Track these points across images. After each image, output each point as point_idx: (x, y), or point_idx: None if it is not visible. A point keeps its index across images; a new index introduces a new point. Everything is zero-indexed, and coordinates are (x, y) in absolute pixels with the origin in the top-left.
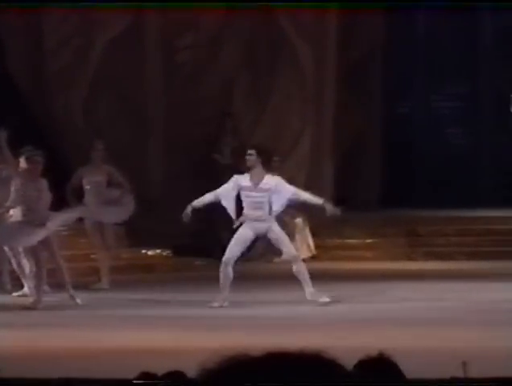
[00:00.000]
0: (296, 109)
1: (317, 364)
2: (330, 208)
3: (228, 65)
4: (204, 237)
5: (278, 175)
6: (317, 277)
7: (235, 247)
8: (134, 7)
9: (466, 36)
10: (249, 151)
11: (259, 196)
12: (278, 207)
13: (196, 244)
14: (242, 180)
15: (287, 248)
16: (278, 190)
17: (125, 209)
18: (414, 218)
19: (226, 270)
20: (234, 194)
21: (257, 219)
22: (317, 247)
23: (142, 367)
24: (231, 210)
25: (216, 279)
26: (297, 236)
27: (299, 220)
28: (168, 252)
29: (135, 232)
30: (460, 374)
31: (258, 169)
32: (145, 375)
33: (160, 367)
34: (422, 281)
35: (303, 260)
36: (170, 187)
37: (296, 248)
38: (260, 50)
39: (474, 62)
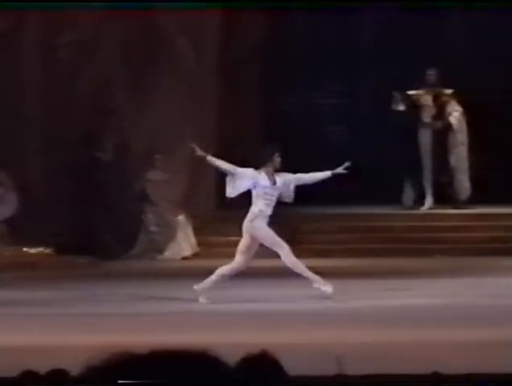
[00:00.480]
0: (178, 107)
1: (201, 362)
2: (340, 170)
3: (107, 63)
4: (85, 236)
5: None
6: (200, 274)
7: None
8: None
9: (346, 34)
10: (277, 153)
11: (275, 194)
12: (289, 199)
13: (78, 243)
14: (260, 177)
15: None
16: (286, 184)
17: (7, 207)
18: (295, 215)
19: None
20: (246, 185)
21: (268, 216)
22: (199, 244)
23: (25, 366)
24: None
25: (97, 276)
26: (179, 234)
27: (181, 218)
28: (50, 250)
29: (17, 230)
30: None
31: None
32: (27, 374)
33: (43, 365)
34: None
35: (186, 258)
36: (50, 186)
37: (179, 245)
38: (140, 48)
39: (354, 59)
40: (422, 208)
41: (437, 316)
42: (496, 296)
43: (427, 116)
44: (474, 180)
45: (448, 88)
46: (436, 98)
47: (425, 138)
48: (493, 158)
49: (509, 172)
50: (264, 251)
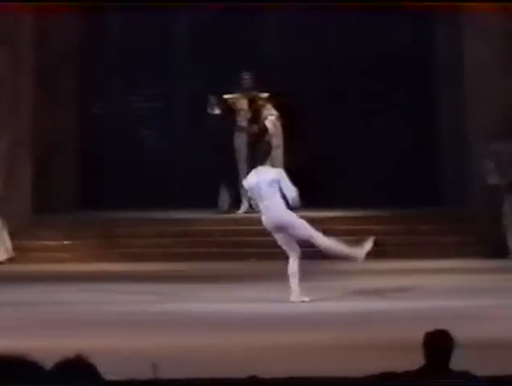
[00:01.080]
0: None
1: (18, 366)
2: None
3: None
4: None
5: None
6: (15, 279)
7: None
8: None
9: (161, 36)
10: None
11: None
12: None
13: None
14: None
15: None
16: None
17: None
18: (111, 219)
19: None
20: None
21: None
22: (15, 249)
23: None
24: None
25: None
26: None
27: None
28: None
29: None
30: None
31: None
32: None
33: None
34: (119, 282)
35: (1, 263)
36: None
37: None
38: None
39: (170, 62)
40: (237, 212)
41: (252, 320)
42: (314, 300)
43: (242, 120)
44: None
45: (264, 91)
46: (252, 102)
47: (241, 142)
48: (313, 159)
49: (327, 174)
50: None
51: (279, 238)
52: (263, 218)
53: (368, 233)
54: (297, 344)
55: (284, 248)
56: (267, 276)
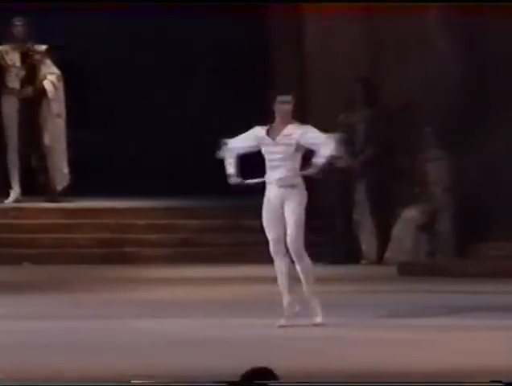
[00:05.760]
0: None
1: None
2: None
3: None
4: None
5: None
6: None
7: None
8: None
9: None
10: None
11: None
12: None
13: None
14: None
15: None
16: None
17: None
18: None
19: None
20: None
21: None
22: None
23: None
24: None
25: None
26: None
27: None
28: None
29: None
30: None
31: None
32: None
33: None
34: None
35: None
36: None
37: None
38: None
39: None
40: (6, 201)
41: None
42: (100, 317)
43: (13, 79)
44: (74, 165)
45: (41, 43)
46: (26, 56)
47: (11, 109)
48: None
49: (113, 152)
50: None
51: None
52: None
53: None
54: None
55: None
56: (47, 285)
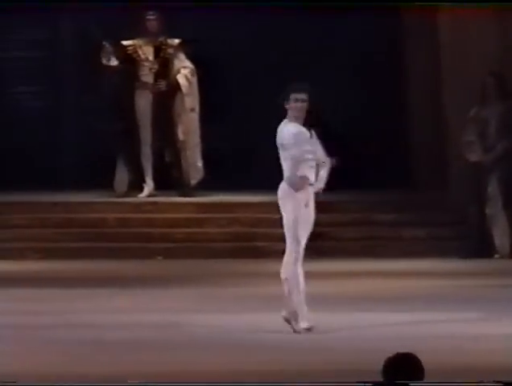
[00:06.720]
0: None
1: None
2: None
3: None
4: None
5: None
6: None
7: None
8: None
9: None
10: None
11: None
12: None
13: None
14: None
15: None
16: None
17: None
18: None
19: None
20: None
21: None
22: None
23: None
24: None
25: None
26: None
27: None
28: None
29: None
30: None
31: None
32: None
33: None
34: None
35: None
36: None
37: None
38: None
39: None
40: (140, 195)
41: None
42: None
43: (147, 74)
44: (208, 159)
45: (175, 37)
46: (159, 50)
47: (144, 104)
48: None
49: (246, 146)
50: None
51: None
52: None
53: None
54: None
55: None
56: (179, 279)
